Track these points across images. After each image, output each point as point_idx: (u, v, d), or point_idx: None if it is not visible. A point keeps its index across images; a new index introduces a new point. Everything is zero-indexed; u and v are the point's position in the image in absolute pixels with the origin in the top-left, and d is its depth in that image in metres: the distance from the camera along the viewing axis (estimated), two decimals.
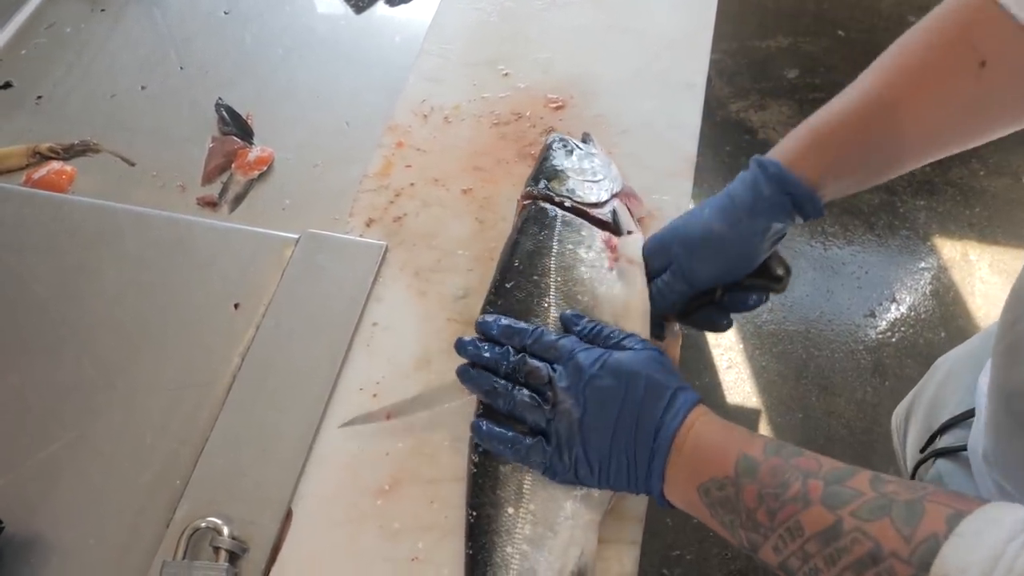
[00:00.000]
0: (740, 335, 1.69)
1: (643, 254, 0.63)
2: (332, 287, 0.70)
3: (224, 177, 0.86)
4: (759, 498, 0.45)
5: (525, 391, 0.55)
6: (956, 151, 0.58)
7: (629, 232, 0.67)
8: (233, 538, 0.58)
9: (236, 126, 0.90)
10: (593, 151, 0.70)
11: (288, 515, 0.60)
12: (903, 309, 1.76)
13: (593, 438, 0.52)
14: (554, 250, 0.63)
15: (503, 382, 0.56)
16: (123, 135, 0.89)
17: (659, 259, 0.62)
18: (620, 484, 0.53)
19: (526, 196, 0.68)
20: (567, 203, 0.66)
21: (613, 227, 0.66)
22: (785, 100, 1.94)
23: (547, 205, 0.66)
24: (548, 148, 0.70)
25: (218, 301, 0.70)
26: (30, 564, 0.59)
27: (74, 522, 0.61)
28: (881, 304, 1.77)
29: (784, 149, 0.58)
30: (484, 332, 0.59)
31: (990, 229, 1.89)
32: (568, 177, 0.67)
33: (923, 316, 1.74)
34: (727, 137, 1.95)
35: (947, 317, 1.74)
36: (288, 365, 0.66)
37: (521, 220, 0.66)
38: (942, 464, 0.74)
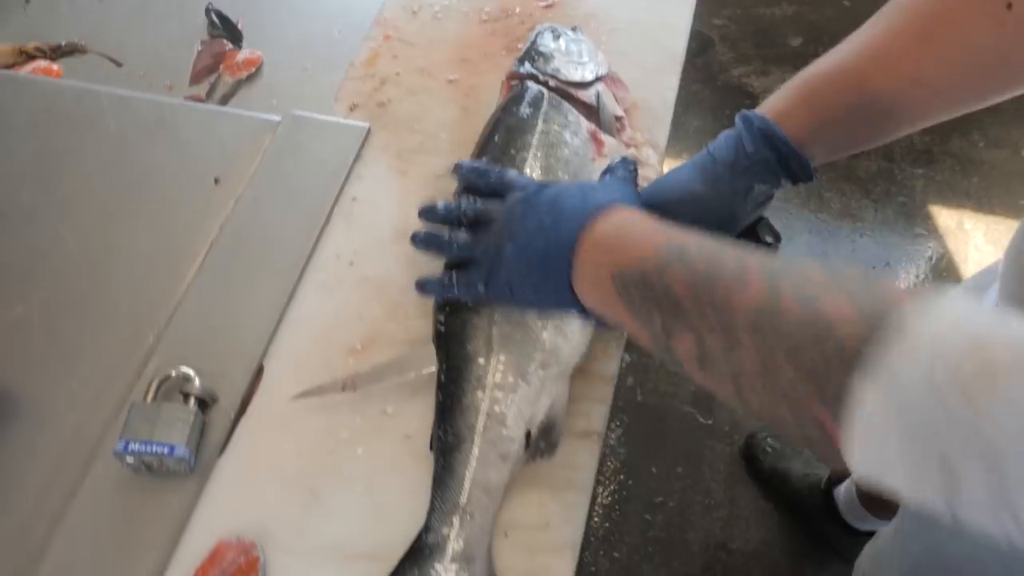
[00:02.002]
0: None
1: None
2: (313, 164, 0.70)
3: (212, 78, 0.86)
4: (687, 281, 0.40)
5: (463, 231, 0.55)
6: (960, 112, 0.51)
7: (617, 117, 0.68)
8: (203, 389, 0.58)
9: (226, 30, 0.90)
10: (580, 38, 0.70)
11: (259, 371, 0.60)
12: (897, 275, 1.76)
13: (514, 246, 0.50)
14: (539, 128, 0.63)
15: (446, 234, 0.56)
16: (111, 37, 0.89)
17: None
18: (543, 289, 0.50)
19: (511, 76, 0.68)
20: (551, 83, 0.66)
21: (597, 110, 0.66)
22: (788, 67, 1.94)
23: (533, 84, 0.66)
24: (536, 34, 0.70)
25: (198, 176, 0.71)
26: (2, 412, 0.59)
27: (46, 376, 0.61)
28: (875, 269, 1.76)
29: (772, 104, 0.53)
30: (460, 178, 0.59)
31: (987, 199, 1.88)
32: (553, 58, 0.67)
33: (916, 282, 1.74)
34: (728, 101, 1.94)
35: (940, 283, 1.74)
36: (265, 234, 0.66)
37: (506, 99, 0.66)
38: None
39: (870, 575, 0.83)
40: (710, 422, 1.53)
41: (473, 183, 0.57)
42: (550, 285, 0.49)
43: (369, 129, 0.72)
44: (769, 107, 0.53)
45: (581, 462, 0.56)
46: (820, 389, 0.33)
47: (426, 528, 0.51)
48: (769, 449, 1.47)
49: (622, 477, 1.49)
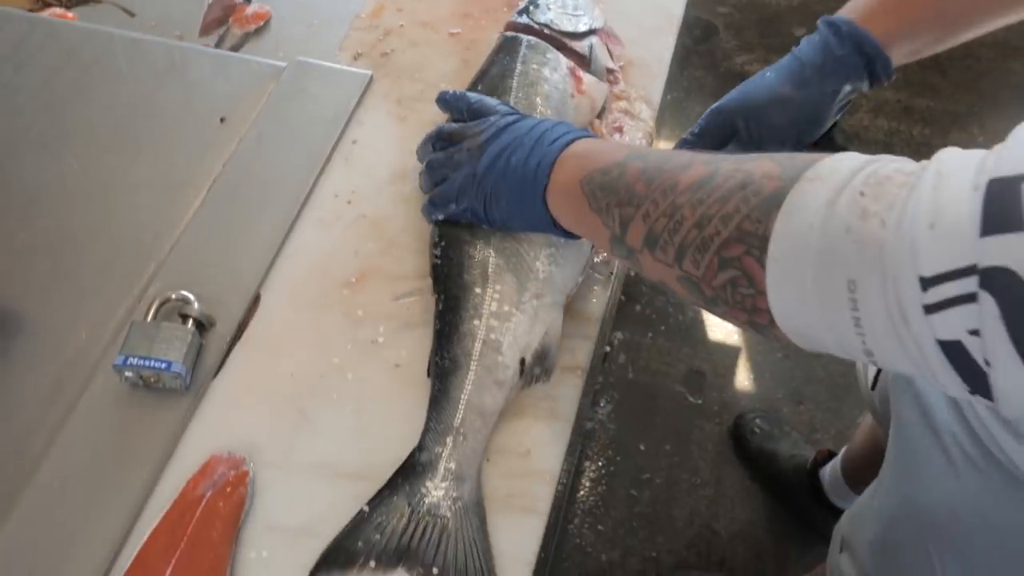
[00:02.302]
0: None
1: (701, 125, 0.61)
2: (316, 108, 0.72)
3: (221, 30, 0.88)
4: (642, 172, 0.43)
5: (440, 152, 0.58)
6: None
7: (609, 70, 0.69)
8: (202, 312, 0.60)
9: None
10: None
11: (256, 299, 0.62)
12: None
13: (492, 163, 0.54)
14: (517, 70, 0.65)
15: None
16: None
17: (717, 133, 0.58)
18: (517, 204, 0.53)
19: (507, 27, 0.70)
20: (546, 31, 0.68)
21: (589, 61, 0.68)
22: None
23: (518, 34, 0.68)
24: None
25: (205, 116, 0.72)
26: (6, 330, 0.61)
27: (51, 297, 0.63)
28: None
29: (855, 6, 0.55)
30: (442, 106, 0.62)
31: None
32: (549, 9, 0.69)
33: None
34: (730, 88, 1.96)
35: None
36: (267, 172, 0.68)
37: (492, 50, 0.68)
38: None
39: (849, 536, 0.85)
40: (700, 402, 1.55)
41: (454, 108, 0.60)
42: (526, 201, 0.52)
43: (371, 77, 0.74)
44: (852, 8, 0.55)
45: (565, 394, 0.58)
46: (746, 236, 0.35)
47: (420, 447, 0.53)
48: (757, 430, 1.48)
49: (611, 452, 1.51)
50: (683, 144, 0.62)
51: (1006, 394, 0.28)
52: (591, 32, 0.69)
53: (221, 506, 0.53)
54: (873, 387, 0.91)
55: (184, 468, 0.55)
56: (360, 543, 0.50)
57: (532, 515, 0.53)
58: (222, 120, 0.72)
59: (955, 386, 0.29)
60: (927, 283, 0.28)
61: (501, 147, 0.54)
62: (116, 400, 0.57)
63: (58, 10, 0.89)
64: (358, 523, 0.51)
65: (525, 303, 0.57)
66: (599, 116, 0.68)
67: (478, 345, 0.55)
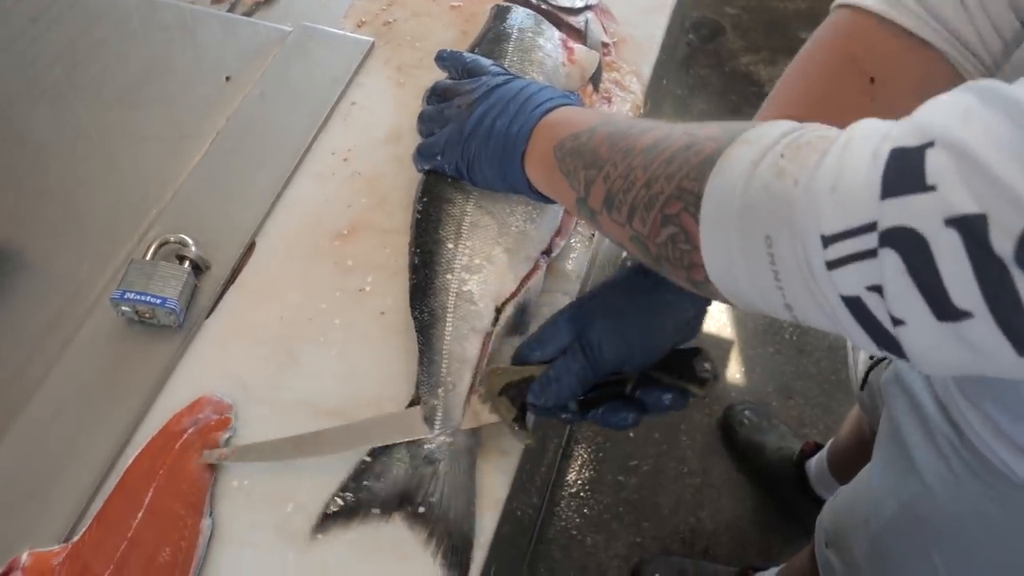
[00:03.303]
0: None
1: (554, 326, 0.52)
2: (318, 70, 0.74)
3: None
4: (607, 136, 0.45)
5: (431, 106, 0.61)
6: None
7: (604, 43, 0.72)
8: (198, 255, 0.62)
9: None
10: None
11: (252, 246, 0.65)
12: None
13: (479, 121, 0.56)
14: (513, 36, 0.68)
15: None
16: None
17: (564, 334, 0.51)
18: (498, 164, 0.54)
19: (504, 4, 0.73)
20: (543, 6, 0.70)
21: (585, 35, 0.71)
22: None
23: (513, 3, 0.71)
24: None
25: (211, 74, 0.75)
26: (10, 265, 0.63)
27: (56, 238, 0.66)
28: None
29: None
30: (440, 63, 0.65)
31: None
32: None
33: None
34: (734, 87, 1.98)
35: None
36: (268, 128, 0.71)
37: (488, 19, 0.71)
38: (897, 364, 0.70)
39: (834, 535, 0.86)
40: None
41: (451, 66, 0.63)
42: (506, 165, 0.54)
43: (373, 44, 0.76)
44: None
45: None
46: (684, 194, 0.37)
47: (415, 401, 0.56)
48: (746, 421, 1.50)
49: (600, 439, 1.53)
50: None
51: (920, 350, 0.29)
52: (587, 8, 0.71)
53: (201, 442, 0.55)
54: (862, 387, 0.92)
55: (174, 401, 0.57)
56: (364, 493, 0.52)
57: (507, 456, 0.55)
58: (228, 79, 0.74)
59: (865, 342, 0.31)
60: (827, 241, 0.29)
61: (487, 108, 0.56)
62: (112, 333, 0.60)
63: None
64: (361, 473, 0.53)
65: (496, 256, 0.59)
66: (594, 86, 0.70)
67: (452, 298, 0.58)
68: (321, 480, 0.53)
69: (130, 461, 0.54)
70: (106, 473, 0.54)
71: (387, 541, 0.51)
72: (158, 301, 0.58)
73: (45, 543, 0.51)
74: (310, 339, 0.60)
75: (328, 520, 0.52)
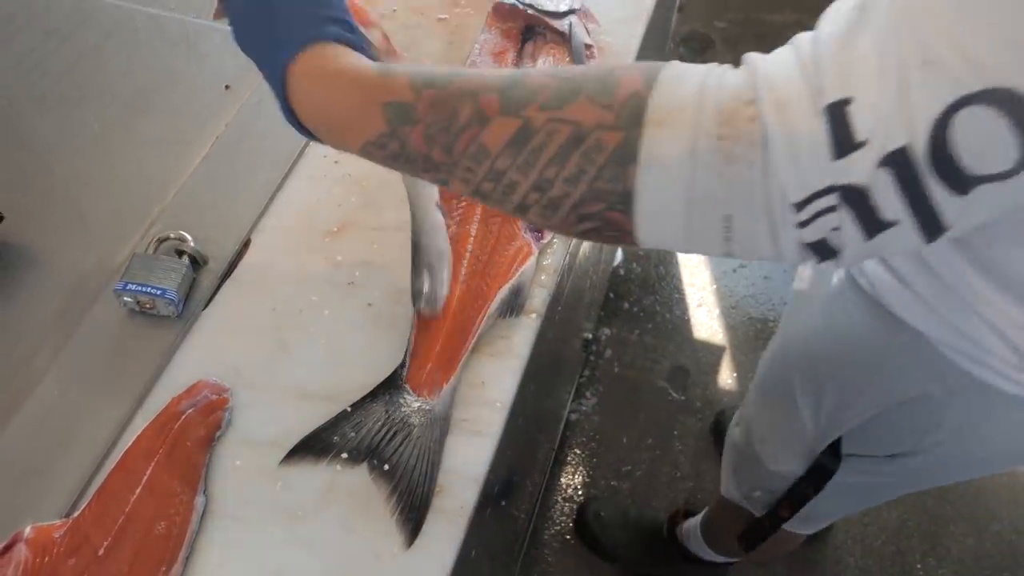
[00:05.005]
0: (713, 275, 1.75)
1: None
2: None
3: None
4: (427, 139, 0.38)
5: None
6: None
7: (587, 44, 0.76)
8: (196, 250, 0.66)
9: None
10: None
11: (247, 242, 0.68)
12: None
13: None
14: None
15: None
16: None
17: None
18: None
19: (495, 8, 0.77)
20: (530, 11, 0.75)
21: (569, 37, 0.75)
22: None
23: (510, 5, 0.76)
24: None
25: (211, 83, 0.79)
26: (20, 258, 0.67)
27: (63, 235, 0.69)
28: None
29: None
30: None
31: None
32: None
33: None
34: None
35: None
36: (264, 134, 0.75)
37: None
38: None
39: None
40: (683, 398, 1.60)
41: None
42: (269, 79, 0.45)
43: None
44: None
45: (520, 335, 0.63)
46: (604, 194, 0.35)
47: (402, 365, 0.60)
48: None
49: (594, 444, 1.55)
50: None
51: (851, 260, 0.35)
52: (571, 12, 0.76)
53: (198, 423, 0.59)
54: None
55: (172, 387, 0.61)
56: (336, 437, 0.57)
57: (484, 437, 0.59)
58: (227, 87, 0.79)
59: (802, 261, 0.35)
60: (799, 206, 0.32)
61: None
62: (115, 323, 0.63)
63: None
64: (339, 420, 0.58)
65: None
66: None
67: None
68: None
69: (130, 442, 0.57)
70: (107, 452, 0.57)
71: (353, 494, 0.55)
72: (158, 292, 0.62)
73: (47, 517, 0.54)
74: (301, 329, 0.64)
75: (299, 452, 0.56)
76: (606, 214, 0.36)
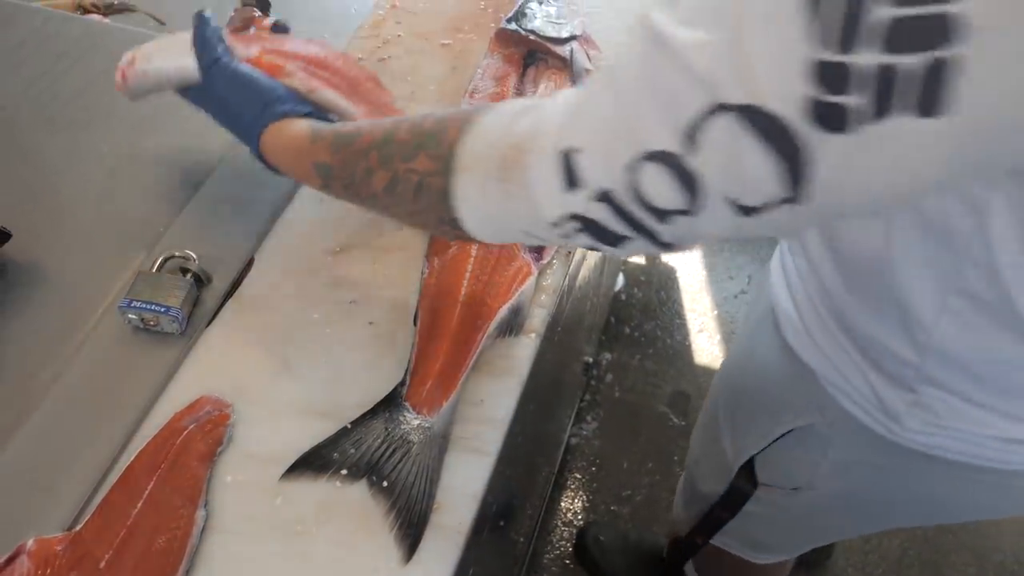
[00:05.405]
0: (715, 301, 1.76)
1: None
2: None
3: None
4: (345, 188, 0.53)
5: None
6: None
7: (587, 69, 0.78)
8: (201, 268, 0.67)
9: (258, 2, 1.02)
10: (560, 3, 0.81)
11: (251, 262, 0.69)
12: None
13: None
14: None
15: None
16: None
17: None
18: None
19: (498, 34, 0.79)
20: (531, 37, 0.77)
21: (570, 63, 0.77)
22: None
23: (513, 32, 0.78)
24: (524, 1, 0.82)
25: None
26: (28, 275, 0.68)
27: (71, 252, 0.71)
28: None
29: None
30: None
31: None
32: (536, 17, 0.78)
33: None
34: None
35: None
36: None
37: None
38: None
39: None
40: (684, 423, 1.60)
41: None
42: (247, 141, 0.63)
43: None
44: None
45: (519, 354, 0.64)
46: (438, 215, 0.46)
47: (402, 383, 0.61)
48: None
49: (594, 469, 1.55)
50: None
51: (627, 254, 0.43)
52: (572, 38, 0.78)
53: (200, 438, 0.59)
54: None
55: (174, 403, 0.61)
56: (336, 453, 0.57)
57: (482, 455, 0.59)
58: None
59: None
60: (553, 224, 0.40)
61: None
62: (119, 340, 0.64)
63: (96, 17, 1.00)
64: (339, 436, 0.58)
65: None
66: None
67: None
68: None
69: (133, 456, 0.58)
70: (109, 467, 0.58)
71: (353, 511, 0.55)
72: (162, 310, 0.63)
73: (50, 530, 0.54)
74: (303, 347, 0.64)
75: (299, 468, 0.57)
76: (451, 229, 0.47)
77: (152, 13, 1.00)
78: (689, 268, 1.83)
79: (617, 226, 0.38)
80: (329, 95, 0.66)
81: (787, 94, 0.28)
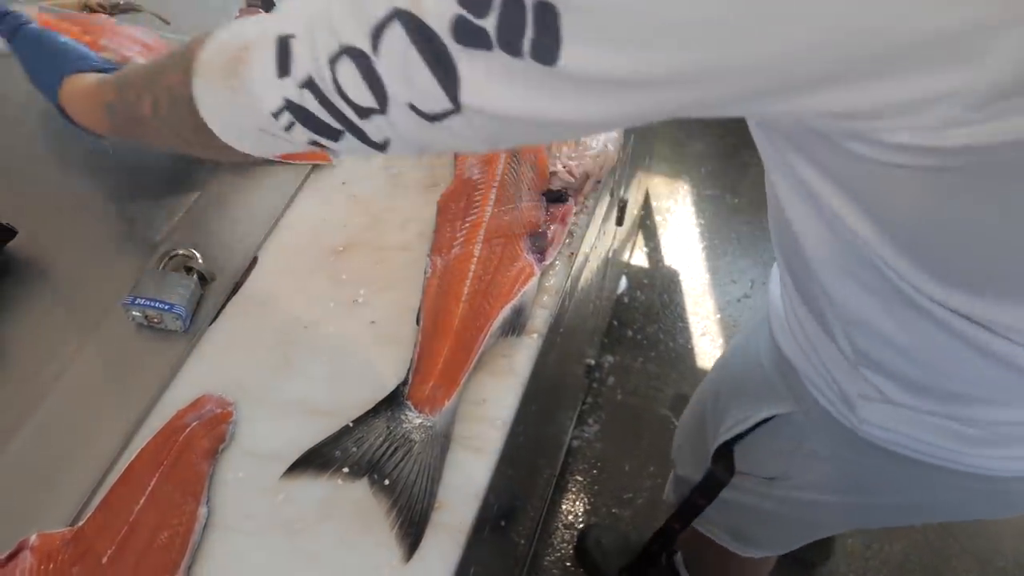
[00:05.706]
0: (717, 304, 1.76)
1: None
2: None
3: None
4: (125, 120, 0.57)
5: None
6: None
7: None
8: (204, 267, 0.67)
9: (263, 2, 1.03)
10: None
11: (254, 260, 0.70)
12: None
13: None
14: None
15: None
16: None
17: None
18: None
19: None
20: None
21: None
22: None
23: None
24: None
25: None
26: (33, 272, 0.69)
27: (77, 250, 0.71)
28: None
29: None
30: None
31: None
32: None
33: None
34: (732, 130, 2.05)
35: None
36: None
37: None
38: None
39: None
40: None
41: None
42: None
43: None
44: None
45: (522, 354, 0.64)
46: (192, 121, 0.49)
47: (405, 382, 0.61)
48: None
49: (595, 471, 1.55)
50: None
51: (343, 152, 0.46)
52: None
53: (202, 436, 0.59)
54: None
55: (177, 400, 0.62)
56: (338, 451, 0.57)
57: (484, 455, 0.59)
58: None
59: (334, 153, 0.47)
60: (274, 115, 0.43)
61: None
62: (123, 337, 0.65)
63: (102, 18, 1.00)
64: (341, 435, 0.58)
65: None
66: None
67: None
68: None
69: (135, 453, 0.58)
70: (112, 463, 0.58)
71: (354, 509, 0.55)
72: (166, 307, 0.63)
73: (53, 526, 0.55)
74: (305, 345, 0.65)
75: (301, 466, 0.57)
76: (208, 140, 0.49)
77: (158, 13, 1.01)
78: (692, 272, 1.83)
79: (327, 118, 0.40)
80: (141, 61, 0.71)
81: (442, 11, 0.32)
